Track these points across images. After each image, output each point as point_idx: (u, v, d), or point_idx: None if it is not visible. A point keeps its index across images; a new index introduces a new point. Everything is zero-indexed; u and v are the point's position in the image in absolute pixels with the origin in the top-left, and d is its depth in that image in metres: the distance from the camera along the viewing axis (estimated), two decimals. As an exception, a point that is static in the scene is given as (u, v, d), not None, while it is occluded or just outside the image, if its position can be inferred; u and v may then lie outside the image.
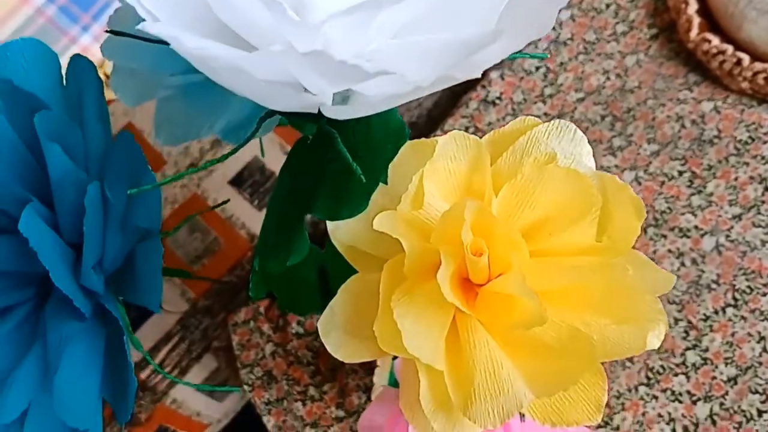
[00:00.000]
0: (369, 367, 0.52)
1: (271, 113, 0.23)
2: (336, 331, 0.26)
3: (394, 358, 0.48)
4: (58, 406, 0.19)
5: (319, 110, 0.21)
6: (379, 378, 0.46)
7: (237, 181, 0.59)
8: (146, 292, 0.20)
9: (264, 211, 0.47)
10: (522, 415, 0.32)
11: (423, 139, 0.25)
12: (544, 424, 0.24)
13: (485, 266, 0.24)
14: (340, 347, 0.26)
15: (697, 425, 0.46)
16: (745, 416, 0.46)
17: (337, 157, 0.23)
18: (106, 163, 0.21)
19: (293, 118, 0.24)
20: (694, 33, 0.51)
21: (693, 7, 0.51)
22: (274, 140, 0.59)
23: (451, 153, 0.25)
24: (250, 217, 0.59)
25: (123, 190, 0.20)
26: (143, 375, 0.57)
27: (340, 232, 0.26)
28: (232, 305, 0.58)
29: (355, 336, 0.26)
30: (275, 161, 0.60)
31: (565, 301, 0.24)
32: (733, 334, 0.47)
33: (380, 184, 0.24)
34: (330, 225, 0.26)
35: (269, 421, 0.53)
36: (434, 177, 0.25)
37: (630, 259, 0.24)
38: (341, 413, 0.52)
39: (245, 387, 0.53)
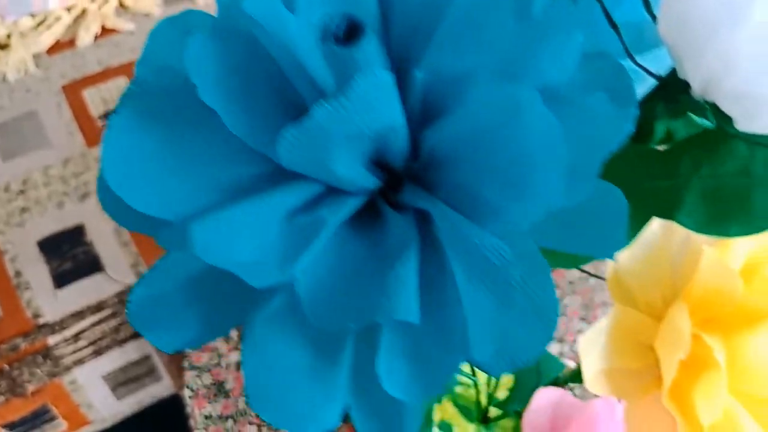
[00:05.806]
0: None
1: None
2: (596, 353, 0.25)
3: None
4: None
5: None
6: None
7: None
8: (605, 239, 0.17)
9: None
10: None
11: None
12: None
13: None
14: (595, 372, 0.25)
15: None
16: None
17: (723, 170, 0.21)
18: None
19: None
20: None
21: None
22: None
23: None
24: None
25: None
26: (51, 340, 0.48)
27: (624, 257, 0.25)
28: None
29: (608, 362, 0.25)
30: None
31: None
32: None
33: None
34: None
35: (204, 438, 0.46)
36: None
37: None
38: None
39: (186, 391, 0.46)
